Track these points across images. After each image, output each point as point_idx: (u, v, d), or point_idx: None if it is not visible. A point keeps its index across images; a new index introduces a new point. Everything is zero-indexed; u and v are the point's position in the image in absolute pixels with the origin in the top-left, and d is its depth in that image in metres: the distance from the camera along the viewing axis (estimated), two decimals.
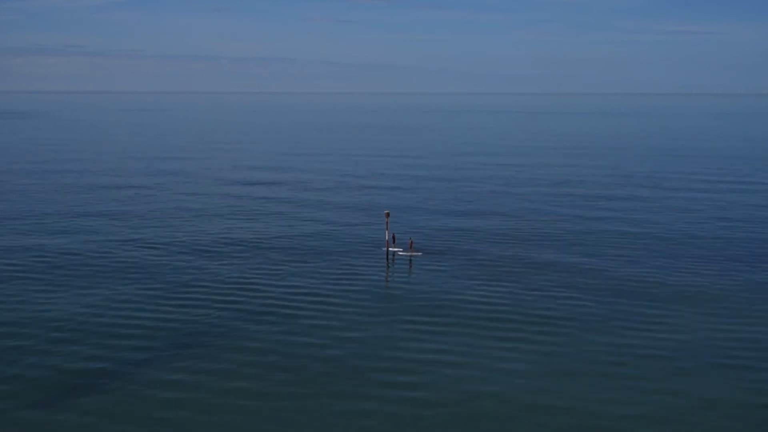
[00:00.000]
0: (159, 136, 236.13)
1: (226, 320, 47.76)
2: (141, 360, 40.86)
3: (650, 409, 35.14)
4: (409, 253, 65.57)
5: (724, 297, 53.16)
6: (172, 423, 33.85)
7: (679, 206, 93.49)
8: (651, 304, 51.22)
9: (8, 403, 35.42)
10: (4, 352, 41.90)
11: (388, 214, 68.19)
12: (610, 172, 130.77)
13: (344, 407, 35.30)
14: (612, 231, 77.19)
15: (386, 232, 66.95)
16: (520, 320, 47.99)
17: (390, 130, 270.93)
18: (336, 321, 47.58)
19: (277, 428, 33.39)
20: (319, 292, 54.05)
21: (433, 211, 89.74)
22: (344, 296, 53.10)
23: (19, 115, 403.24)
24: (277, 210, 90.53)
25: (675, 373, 39.41)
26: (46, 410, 34.67)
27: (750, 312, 49.81)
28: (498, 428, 33.47)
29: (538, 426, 33.57)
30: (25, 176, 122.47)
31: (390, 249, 66.58)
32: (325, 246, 69.43)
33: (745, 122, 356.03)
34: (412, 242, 67.29)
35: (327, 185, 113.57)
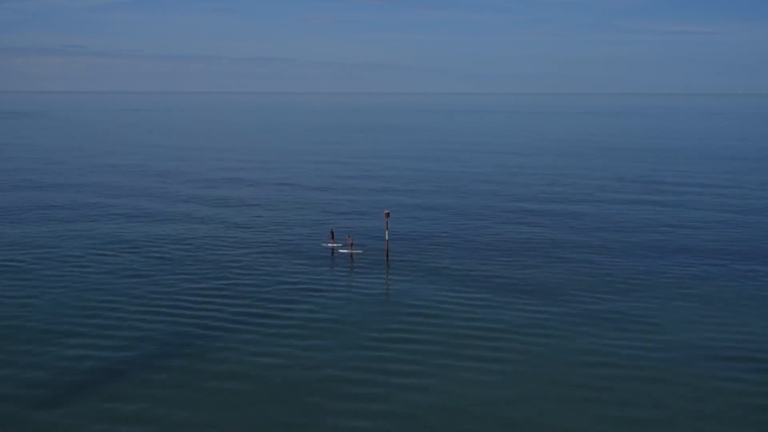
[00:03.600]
0: (155, 137, 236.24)
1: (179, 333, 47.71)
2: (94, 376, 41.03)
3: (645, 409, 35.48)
4: (349, 251, 66.43)
5: (717, 297, 53.49)
6: None
7: (676, 210, 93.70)
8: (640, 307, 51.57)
9: None
10: None
11: (388, 214, 68.32)
12: (607, 174, 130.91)
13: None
14: (599, 236, 77.45)
15: (386, 232, 67.20)
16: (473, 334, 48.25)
17: (389, 131, 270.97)
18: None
19: None
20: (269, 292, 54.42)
21: (415, 212, 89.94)
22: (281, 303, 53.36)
23: (18, 116, 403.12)
24: (261, 210, 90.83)
25: (667, 372, 39.75)
26: None
27: (740, 311, 50.11)
28: None
29: None
30: None
31: (330, 245, 68.31)
32: (289, 248, 69.66)
33: (745, 123, 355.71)
34: (351, 240, 68.09)
35: (319, 186, 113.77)
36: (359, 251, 66.56)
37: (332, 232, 70.93)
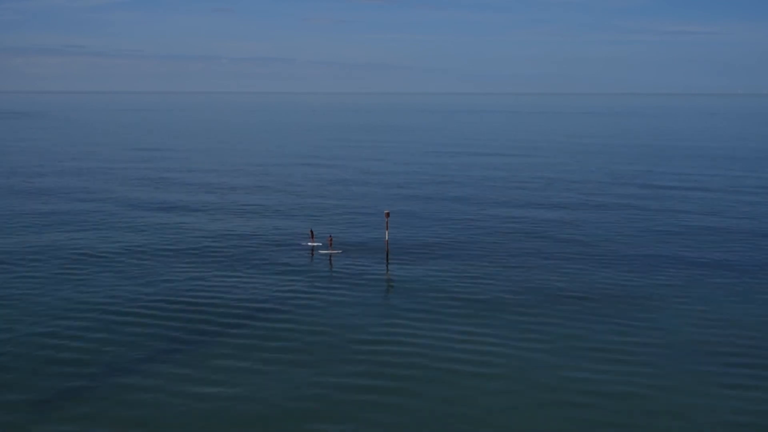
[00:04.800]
0: (155, 137, 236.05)
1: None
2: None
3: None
4: (328, 251, 66.39)
5: (711, 297, 53.43)
6: None
7: (675, 212, 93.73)
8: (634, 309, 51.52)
9: None
10: None
11: (388, 214, 67.97)
12: (606, 174, 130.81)
13: None
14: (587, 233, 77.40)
15: (386, 233, 67.05)
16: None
17: (388, 131, 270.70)
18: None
19: None
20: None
21: (415, 213, 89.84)
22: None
23: (18, 115, 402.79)
24: (257, 212, 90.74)
25: (660, 371, 39.73)
26: None
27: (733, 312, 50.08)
28: None
29: None
30: None
31: (309, 244, 68.61)
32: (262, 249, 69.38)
33: (745, 123, 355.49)
34: (331, 239, 68.00)
35: (317, 186, 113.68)
36: (338, 251, 66.32)
37: (311, 232, 70.99)
